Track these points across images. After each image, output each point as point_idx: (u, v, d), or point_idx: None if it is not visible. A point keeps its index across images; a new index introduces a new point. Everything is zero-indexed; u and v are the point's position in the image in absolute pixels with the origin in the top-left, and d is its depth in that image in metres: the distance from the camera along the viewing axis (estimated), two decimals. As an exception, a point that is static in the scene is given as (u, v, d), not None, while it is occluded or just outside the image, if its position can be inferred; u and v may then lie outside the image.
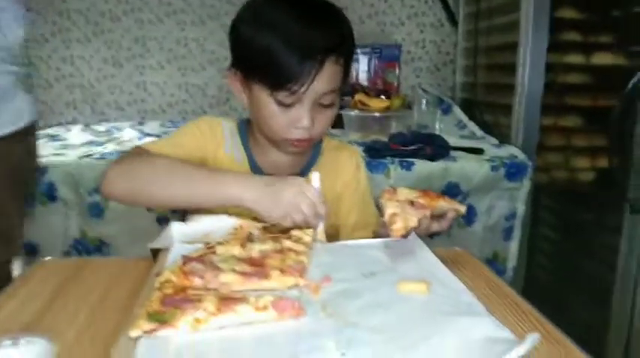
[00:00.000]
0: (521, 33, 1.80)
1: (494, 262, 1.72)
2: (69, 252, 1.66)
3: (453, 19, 2.51)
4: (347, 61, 0.91)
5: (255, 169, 1.00)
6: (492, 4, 2.14)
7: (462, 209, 0.85)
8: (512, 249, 1.73)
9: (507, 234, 1.72)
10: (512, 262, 1.74)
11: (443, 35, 2.58)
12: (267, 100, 0.89)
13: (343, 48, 0.88)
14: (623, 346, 1.71)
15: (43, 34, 2.49)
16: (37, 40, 2.49)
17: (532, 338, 0.48)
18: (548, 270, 2.14)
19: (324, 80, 0.86)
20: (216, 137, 1.01)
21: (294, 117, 0.89)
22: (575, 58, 1.89)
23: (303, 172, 1.01)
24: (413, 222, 0.75)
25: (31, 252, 1.66)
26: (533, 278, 2.02)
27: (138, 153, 0.93)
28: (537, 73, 1.80)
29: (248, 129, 1.03)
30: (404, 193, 0.81)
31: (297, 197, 0.80)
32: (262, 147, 1.01)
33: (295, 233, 0.79)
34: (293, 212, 0.79)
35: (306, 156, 1.04)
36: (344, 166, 1.05)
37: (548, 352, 0.58)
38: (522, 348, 0.47)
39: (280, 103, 0.88)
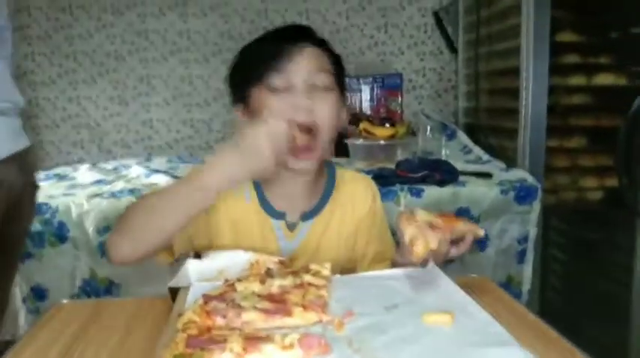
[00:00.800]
0: (522, 58, 1.82)
1: (509, 286, 1.71)
2: (78, 295, 1.65)
3: (452, 47, 2.55)
4: (332, 54, 0.95)
5: (267, 207, 0.97)
6: (492, 31, 2.17)
7: (481, 232, 0.84)
8: (527, 272, 1.72)
9: (520, 257, 1.70)
10: (527, 285, 1.72)
11: (443, 62, 2.62)
12: (264, 98, 0.90)
13: (321, 39, 0.94)
14: (646, 368, 1.67)
15: (50, 76, 2.53)
16: (44, 82, 2.54)
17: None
18: (562, 292, 2.11)
19: (307, 58, 0.90)
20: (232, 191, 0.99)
21: (292, 101, 0.88)
22: (577, 80, 1.91)
23: (319, 206, 0.99)
24: (433, 243, 0.74)
25: (40, 295, 1.65)
26: (547, 300, 1.99)
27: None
28: (541, 96, 1.82)
29: None
30: (422, 215, 0.80)
31: (255, 138, 0.78)
32: (272, 180, 0.98)
33: (314, 267, 0.79)
34: (259, 152, 0.78)
35: (320, 188, 1.01)
36: (360, 198, 1.03)
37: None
38: (558, 379, 0.47)
39: (275, 90, 0.89)
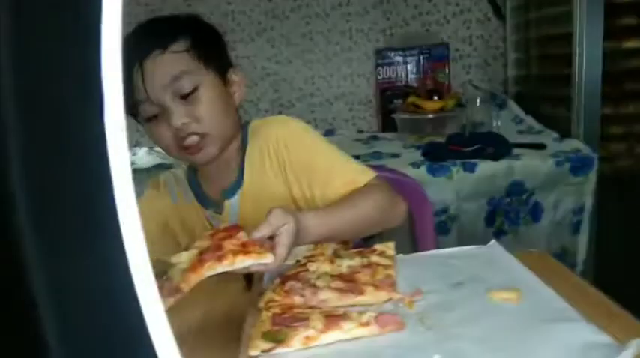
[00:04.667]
0: (574, 23, 1.77)
1: (564, 257, 1.71)
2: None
3: (499, 13, 2.49)
4: (195, 43, 0.90)
5: (203, 200, 1.01)
6: (541, -5, 2.11)
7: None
8: (582, 242, 1.71)
9: (575, 228, 1.70)
10: (581, 256, 1.72)
11: (490, 30, 2.56)
12: (147, 127, 0.92)
13: (169, 38, 0.89)
14: None
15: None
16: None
17: (636, 343, 0.50)
18: (619, 261, 2.08)
19: (158, 72, 0.87)
20: (160, 194, 1.04)
21: (168, 124, 0.88)
22: (633, 43, 1.84)
23: (239, 176, 0.98)
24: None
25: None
26: (603, 270, 1.97)
27: None
28: (595, 62, 1.76)
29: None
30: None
31: None
32: (201, 173, 1.03)
33: (378, 247, 0.83)
34: None
35: (234, 153, 0.99)
36: (273, 141, 0.97)
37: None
38: (627, 354, 0.49)
39: (148, 120, 0.90)
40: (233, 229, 0.70)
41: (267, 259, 0.67)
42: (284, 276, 0.74)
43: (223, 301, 0.84)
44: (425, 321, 0.62)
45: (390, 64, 2.48)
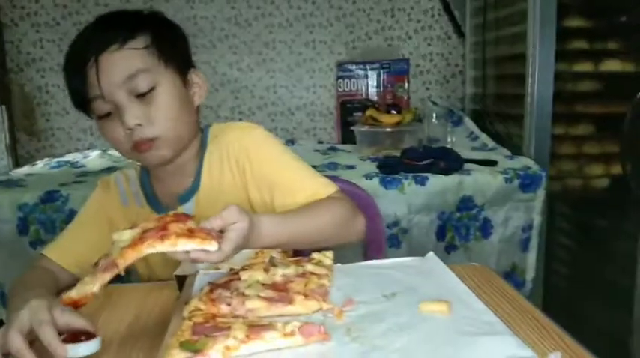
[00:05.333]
0: (528, 43, 1.82)
1: (513, 274, 1.73)
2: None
3: (459, 32, 2.54)
4: (155, 41, 0.87)
5: (155, 204, 0.98)
6: (499, 15, 2.16)
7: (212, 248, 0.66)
8: (531, 260, 1.73)
9: (525, 245, 1.72)
10: (530, 273, 1.74)
11: (450, 47, 2.60)
12: (99, 124, 0.89)
13: (128, 33, 0.86)
14: (647, 354, 1.69)
15: (59, 63, 2.55)
16: (53, 69, 2.56)
17: (554, 357, 0.49)
18: (567, 279, 2.13)
19: (114, 68, 0.84)
20: (110, 196, 1.00)
21: (121, 122, 0.86)
22: (583, 66, 1.90)
23: (196, 181, 0.95)
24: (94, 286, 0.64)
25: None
26: (552, 287, 2.01)
27: (31, 267, 0.94)
28: (546, 83, 1.81)
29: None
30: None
31: None
32: (154, 175, 0.99)
33: (316, 256, 0.81)
34: None
35: (191, 157, 0.96)
36: (232, 146, 0.95)
37: (570, 368, 0.59)
38: (545, 367, 0.49)
39: (101, 117, 0.87)
40: (182, 217, 0.68)
41: (211, 246, 0.64)
42: (213, 284, 0.71)
43: (154, 308, 0.82)
44: (351, 332, 0.60)
45: (350, 77, 2.49)
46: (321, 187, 0.92)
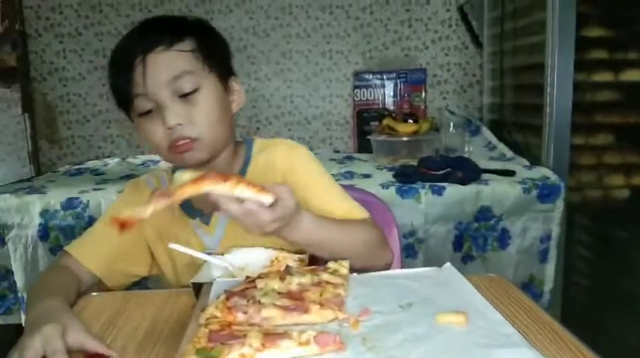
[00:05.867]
0: (547, 53, 1.80)
1: (531, 285, 1.70)
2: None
3: (477, 42, 2.53)
4: (201, 45, 0.89)
5: (186, 207, 0.97)
6: (517, 25, 2.15)
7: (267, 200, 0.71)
8: (549, 271, 1.71)
9: (543, 256, 1.70)
10: (549, 285, 1.72)
11: (467, 57, 2.60)
12: (139, 122, 0.90)
13: (176, 36, 0.88)
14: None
15: (80, 73, 2.61)
16: (75, 79, 2.61)
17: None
18: (587, 291, 2.09)
19: (160, 68, 0.85)
20: (140, 198, 0.99)
21: (162, 121, 0.87)
22: (603, 76, 1.88)
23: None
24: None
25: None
26: (571, 299, 1.98)
27: (53, 266, 0.97)
28: (565, 93, 1.80)
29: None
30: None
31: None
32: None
33: (332, 265, 0.81)
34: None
35: (236, 167, 0.99)
36: (280, 163, 0.98)
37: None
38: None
39: (141, 114, 0.88)
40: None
41: (267, 199, 0.69)
42: (229, 292, 0.71)
43: (172, 315, 0.82)
44: (367, 342, 0.60)
45: (367, 87, 2.50)
46: (357, 209, 0.96)
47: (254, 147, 1.01)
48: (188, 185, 0.65)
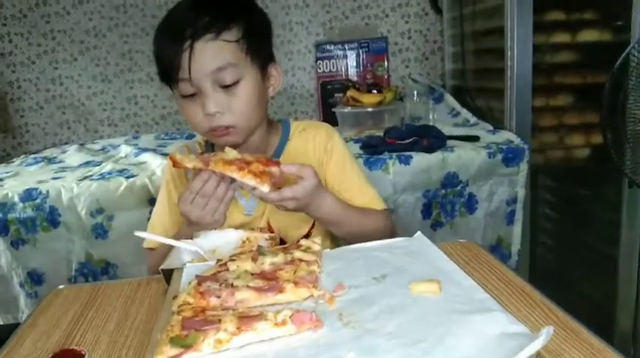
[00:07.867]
0: (506, 16, 1.80)
1: (499, 247, 1.74)
2: (75, 278, 1.66)
3: (437, 7, 2.52)
4: (246, 34, 0.91)
5: None
6: (475, -11, 2.14)
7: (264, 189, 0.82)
8: (516, 232, 1.75)
9: (510, 218, 1.73)
10: (516, 246, 1.76)
11: (428, 24, 2.59)
12: (179, 101, 0.94)
13: (223, 24, 0.89)
14: (632, 318, 1.73)
15: (29, 57, 2.49)
16: (24, 63, 2.49)
17: (547, 332, 0.49)
18: (553, 249, 2.16)
19: (206, 58, 0.88)
20: (180, 172, 1.06)
21: (202, 107, 0.91)
22: (561, 37, 1.90)
23: (276, 156, 1.03)
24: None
25: (37, 280, 1.66)
26: (538, 258, 2.04)
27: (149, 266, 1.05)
28: (525, 55, 1.80)
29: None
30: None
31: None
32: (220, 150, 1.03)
33: (304, 242, 0.80)
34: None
35: (272, 147, 1.05)
36: (316, 143, 1.05)
37: (560, 339, 0.60)
38: (538, 343, 0.49)
39: (184, 96, 0.92)
40: (271, 162, 0.84)
41: (263, 187, 0.80)
42: (201, 277, 0.70)
43: (143, 303, 0.81)
44: (343, 318, 0.60)
45: (330, 58, 2.47)
46: (377, 200, 1.04)
47: (291, 128, 1.07)
48: (221, 163, 0.81)
